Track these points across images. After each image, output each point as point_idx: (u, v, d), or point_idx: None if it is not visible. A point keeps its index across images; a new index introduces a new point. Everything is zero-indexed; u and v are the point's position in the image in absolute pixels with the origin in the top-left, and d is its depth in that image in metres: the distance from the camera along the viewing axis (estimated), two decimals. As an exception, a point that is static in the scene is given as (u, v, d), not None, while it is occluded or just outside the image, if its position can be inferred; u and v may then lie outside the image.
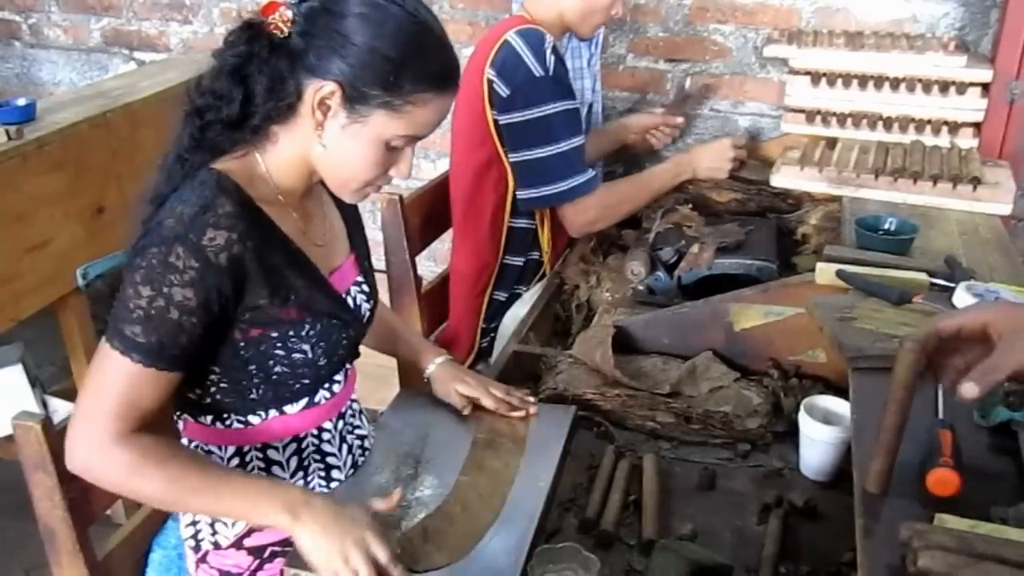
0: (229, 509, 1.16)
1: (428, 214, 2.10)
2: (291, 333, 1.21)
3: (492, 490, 1.31)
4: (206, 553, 1.32)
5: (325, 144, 1.18)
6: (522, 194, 1.98)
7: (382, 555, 1.09)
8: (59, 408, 2.48)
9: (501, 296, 2.12)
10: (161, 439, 1.16)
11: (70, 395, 2.51)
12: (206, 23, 3.11)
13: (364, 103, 1.14)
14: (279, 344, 1.21)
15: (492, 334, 2.12)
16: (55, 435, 1.20)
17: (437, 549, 1.18)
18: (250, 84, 1.15)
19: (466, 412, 1.46)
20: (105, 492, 1.34)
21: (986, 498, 1.00)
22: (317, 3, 1.15)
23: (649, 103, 2.63)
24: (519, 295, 2.10)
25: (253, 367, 1.21)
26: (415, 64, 1.14)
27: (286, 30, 1.13)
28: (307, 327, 1.22)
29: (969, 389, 0.91)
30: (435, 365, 1.52)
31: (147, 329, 1.09)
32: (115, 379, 1.11)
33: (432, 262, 2.90)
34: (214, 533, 1.31)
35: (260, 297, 1.16)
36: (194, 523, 1.33)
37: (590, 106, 2.49)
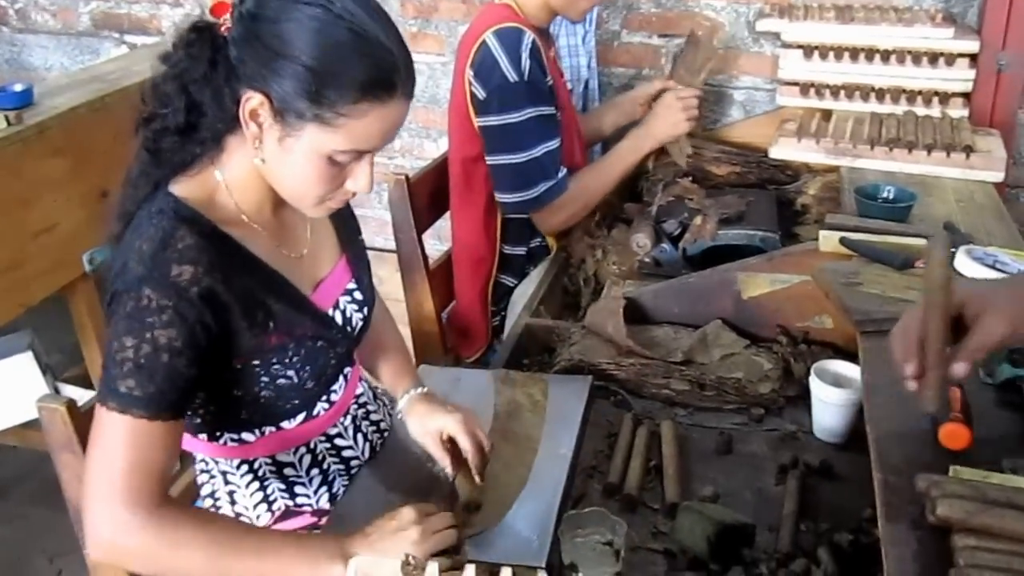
0: (277, 567, 1.06)
1: (433, 192, 2.13)
2: (274, 360, 1.17)
3: (517, 459, 1.35)
4: None
5: (265, 159, 1.10)
6: (497, 196, 2.00)
7: (421, 552, 1.07)
8: (71, 395, 2.50)
9: (511, 281, 2.14)
10: (185, 504, 1.12)
11: (82, 381, 2.54)
12: (197, 5, 3.08)
13: (293, 116, 1.05)
14: (262, 372, 1.17)
15: (503, 314, 2.15)
16: (81, 416, 1.22)
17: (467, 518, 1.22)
18: (192, 92, 1.08)
19: (447, 469, 1.31)
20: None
21: (995, 451, 1.05)
22: (247, 8, 1.07)
23: (644, 79, 2.65)
24: (528, 275, 2.13)
25: (239, 392, 1.17)
26: (340, 74, 1.03)
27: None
28: (290, 353, 1.18)
29: (960, 368, 0.97)
30: (407, 398, 1.39)
31: (141, 380, 1.03)
32: (121, 443, 1.03)
33: (436, 240, 2.93)
34: (236, 516, 1.31)
35: (240, 328, 1.11)
36: (216, 507, 1.32)
37: (586, 83, 2.52)
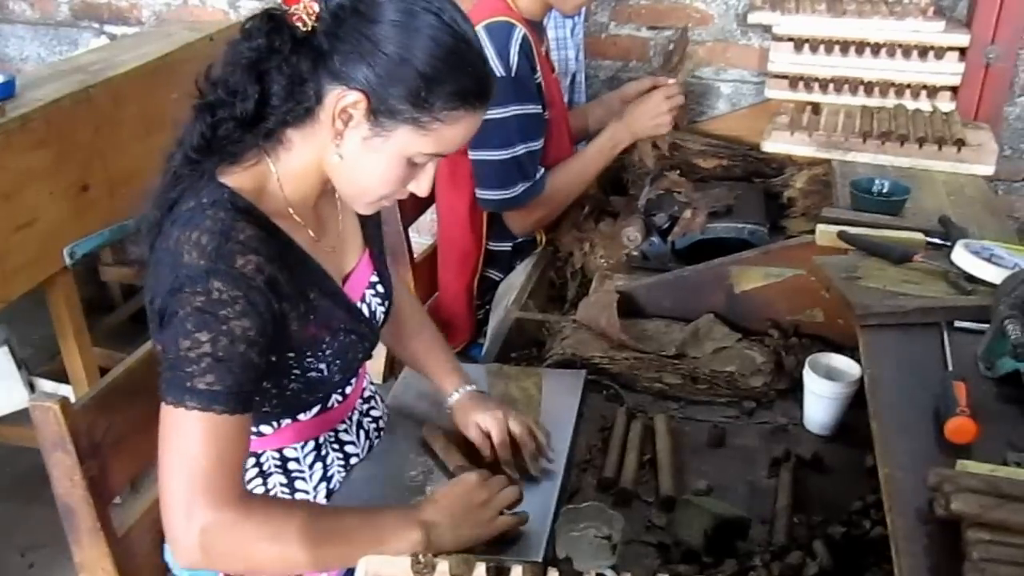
0: (363, 546, 1.07)
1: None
2: (308, 353, 1.17)
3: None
4: None
5: (343, 155, 1.10)
6: (476, 192, 1.96)
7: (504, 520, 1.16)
8: (47, 389, 2.47)
9: (497, 275, 2.12)
10: (258, 494, 1.12)
11: (57, 376, 2.50)
12: (178, -7, 3.05)
13: (389, 117, 1.06)
14: (295, 365, 1.17)
15: (487, 307, 2.13)
16: (73, 414, 1.20)
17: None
18: (267, 82, 1.07)
19: (485, 452, 1.34)
20: (125, 468, 1.35)
21: (998, 444, 1.04)
22: (348, 2, 1.05)
23: (632, 71, 2.64)
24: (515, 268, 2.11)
25: (268, 384, 1.16)
26: (448, 80, 1.05)
27: (310, 24, 1.05)
28: (324, 345, 1.18)
29: None
30: (458, 396, 1.40)
31: (221, 374, 1.01)
32: (203, 442, 1.01)
33: (415, 233, 2.90)
34: None
35: (291, 320, 1.11)
36: None
37: (573, 76, 2.51)
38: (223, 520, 1.01)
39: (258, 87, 1.07)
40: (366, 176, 1.12)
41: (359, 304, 1.28)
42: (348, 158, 1.10)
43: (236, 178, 1.11)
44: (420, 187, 1.16)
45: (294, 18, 1.06)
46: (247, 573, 1.11)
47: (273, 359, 1.11)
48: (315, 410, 1.28)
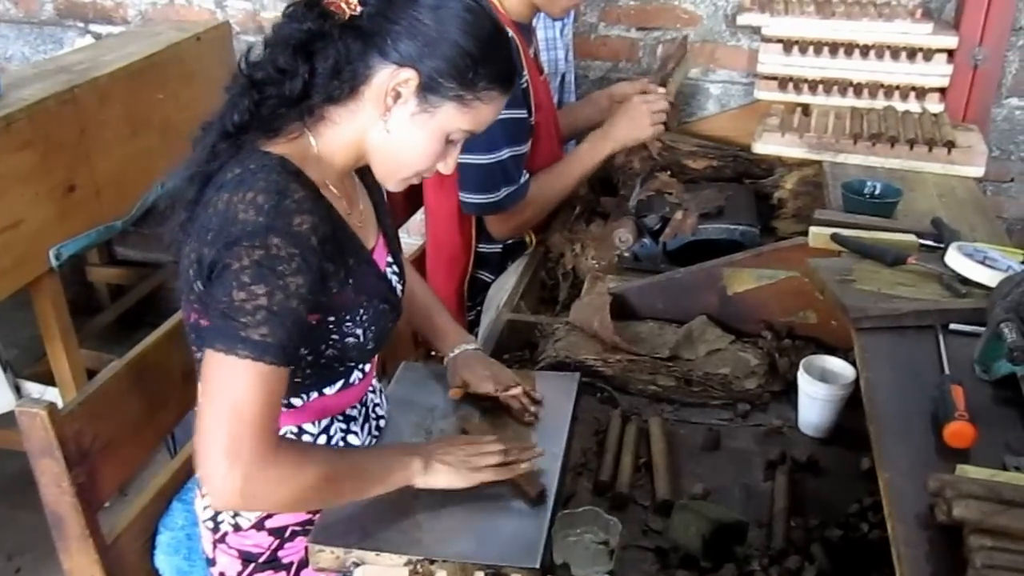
0: (373, 479, 1.18)
1: (407, 187, 2.09)
2: (347, 317, 1.21)
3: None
4: (225, 534, 1.32)
5: (389, 130, 1.16)
6: (460, 196, 1.94)
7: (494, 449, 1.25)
8: (33, 392, 2.44)
9: (488, 277, 2.11)
10: (287, 438, 1.17)
11: (43, 378, 2.47)
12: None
13: (437, 94, 1.14)
14: (334, 329, 1.20)
15: (478, 308, 2.13)
16: (60, 420, 1.19)
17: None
18: (315, 61, 1.12)
19: (451, 395, 1.44)
20: (114, 473, 1.34)
21: (996, 448, 1.04)
22: None
23: (622, 72, 2.64)
24: (506, 270, 2.10)
25: (306, 351, 1.20)
26: (491, 62, 1.15)
27: (348, 11, 1.10)
28: (361, 311, 1.22)
29: None
30: (455, 352, 1.50)
31: (275, 327, 1.05)
32: (251, 390, 1.05)
33: (404, 233, 2.89)
34: (235, 515, 1.30)
35: (332, 283, 1.16)
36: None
37: (562, 76, 2.50)
38: (263, 466, 1.05)
39: (308, 66, 1.12)
40: (408, 151, 1.18)
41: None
42: (394, 133, 1.16)
43: (280, 148, 1.15)
44: (447, 165, 1.23)
45: (331, 6, 1.11)
46: (273, 511, 1.25)
47: (313, 322, 1.15)
48: (339, 384, 1.31)
